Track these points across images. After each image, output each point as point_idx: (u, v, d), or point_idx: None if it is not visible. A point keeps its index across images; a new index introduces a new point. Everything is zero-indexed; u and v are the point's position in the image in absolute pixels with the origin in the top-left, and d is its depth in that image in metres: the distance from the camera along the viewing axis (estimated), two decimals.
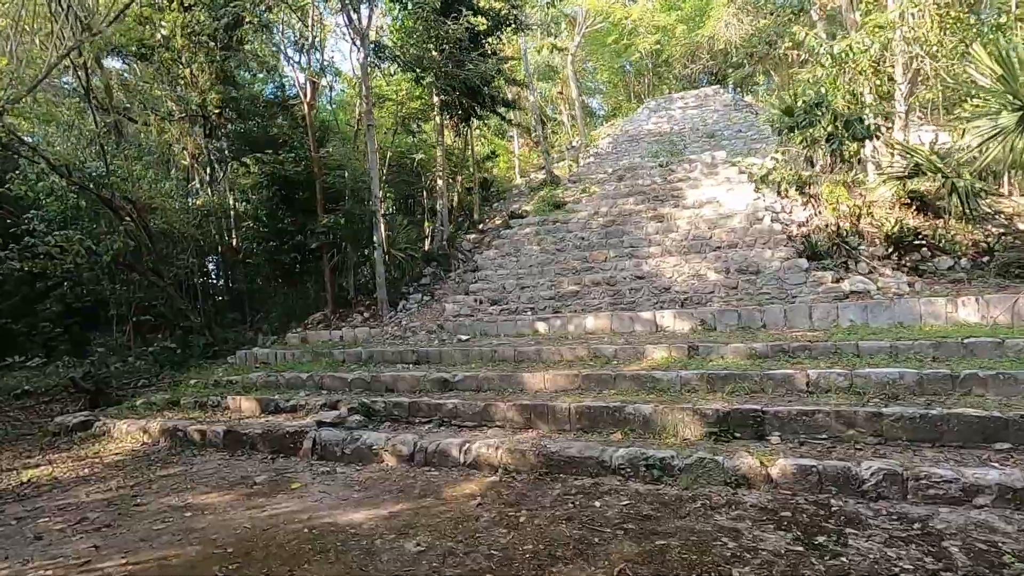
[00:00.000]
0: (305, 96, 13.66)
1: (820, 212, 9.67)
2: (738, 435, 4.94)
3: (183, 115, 15.84)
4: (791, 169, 9.47)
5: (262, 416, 7.25)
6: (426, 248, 15.33)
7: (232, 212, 17.57)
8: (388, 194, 15.30)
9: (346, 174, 13.42)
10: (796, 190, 8.84)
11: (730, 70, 27.47)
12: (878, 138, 7.97)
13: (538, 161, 26.63)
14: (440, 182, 15.47)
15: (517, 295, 11.32)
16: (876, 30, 7.44)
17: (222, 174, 18.20)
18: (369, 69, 12.70)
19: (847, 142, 7.93)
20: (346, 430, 6.13)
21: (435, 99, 15.20)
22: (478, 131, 20.11)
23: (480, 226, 17.53)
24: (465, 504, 4.37)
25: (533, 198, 17.52)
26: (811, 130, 7.98)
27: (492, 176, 22.87)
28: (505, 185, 23.09)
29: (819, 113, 7.21)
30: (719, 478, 4.30)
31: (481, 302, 11.54)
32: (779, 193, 9.72)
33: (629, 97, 31.15)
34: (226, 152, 17.47)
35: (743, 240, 10.31)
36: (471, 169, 19.16)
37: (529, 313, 10.71)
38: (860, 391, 5.29)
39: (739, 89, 22.62)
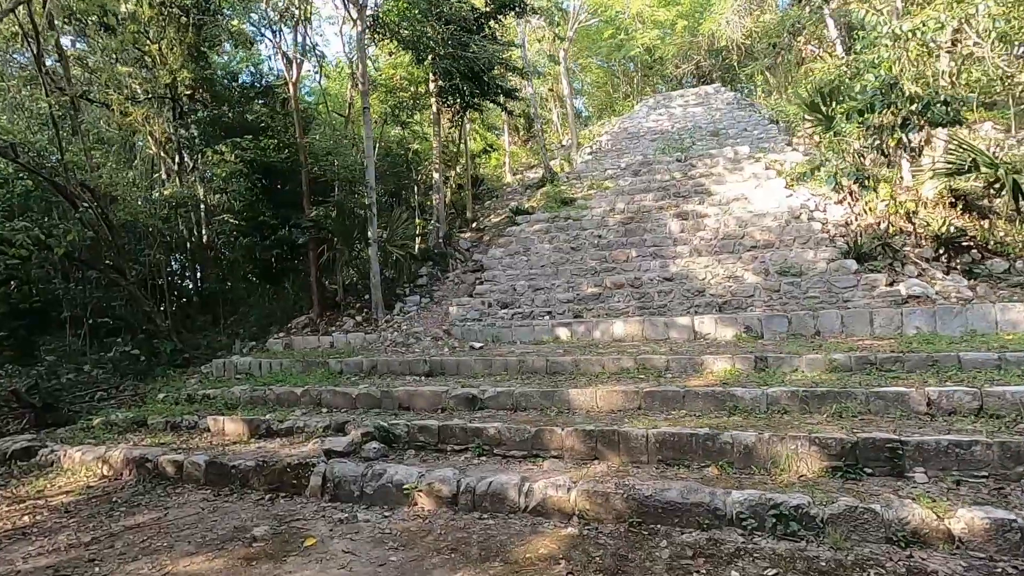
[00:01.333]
0: (290, 76, 12.35)
1: (869, 209, 8.92)
2: (869, 471, 3.99)
3: (150, 96, 14.32)
4: (848, 161, 8.66)
5: (252, 441, 6.00)
6: (420, 246, 14.15)
7: (203, 205, 16.08)
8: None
9: (335, 163, 12.15)
10: (856, 183, 8.04)
11: (716, 73, 27.07)
12: (960, 124, 7.25)
13: (527, 160, 25.72)
14: (436, 175, 14.32)
15: (530, 298, 10.27)
16: (952, 5, 6.73)
17: (192, 163, 16.70)
18: (364, 48, 11.48)
19: (924, 128, 7.17)
20: (363, 462, 4.97)
21: (431, 85, 14.07)
22: (470, 124, 19.01)
23: (474, 224, 16.46)
24: (548, 572, 3.29)
25: (532, 195, 16.50)
26: (881, 115, 7.18)
27: (481, 174, 21.83)
28: (495, 183, 22.06)
29: (894, 96, 6.45)
30: (878, 533, 3.33)
31: (490, 305, 10.44)
32: (835, 188, 8.93)
33: (620, 97, 30.49)
34: (196, 139, 15.97)
35: (780, 239, 9.50)
36: (464, 164, 18.06)
37: (547, 317, 9.66)
38: (998, 414, 4.41)
39: (726, 87, 22.07)
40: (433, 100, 14.07)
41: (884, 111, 6.92)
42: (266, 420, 6.21)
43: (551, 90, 27.84)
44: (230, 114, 16.20)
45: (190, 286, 17.81)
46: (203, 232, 16.92)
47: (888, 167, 8.64)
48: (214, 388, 8.01)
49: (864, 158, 8.25)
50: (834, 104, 11.29)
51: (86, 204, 10.96)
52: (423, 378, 7.49)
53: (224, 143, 14.20)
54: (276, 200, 12.20)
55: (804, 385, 5.28)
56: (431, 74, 13.83)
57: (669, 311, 9.03)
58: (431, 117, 14.52)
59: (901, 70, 7.19)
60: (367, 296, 12.72)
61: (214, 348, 12.12)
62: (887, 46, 7.09)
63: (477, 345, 8.85)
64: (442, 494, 4.34)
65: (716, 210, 10.56)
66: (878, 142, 7.71)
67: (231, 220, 14.18)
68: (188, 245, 16.83)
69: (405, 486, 4.46)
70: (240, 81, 16.17)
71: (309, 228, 11.53)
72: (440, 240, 14.05)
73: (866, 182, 7.95)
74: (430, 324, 10.20)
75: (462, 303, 10.69)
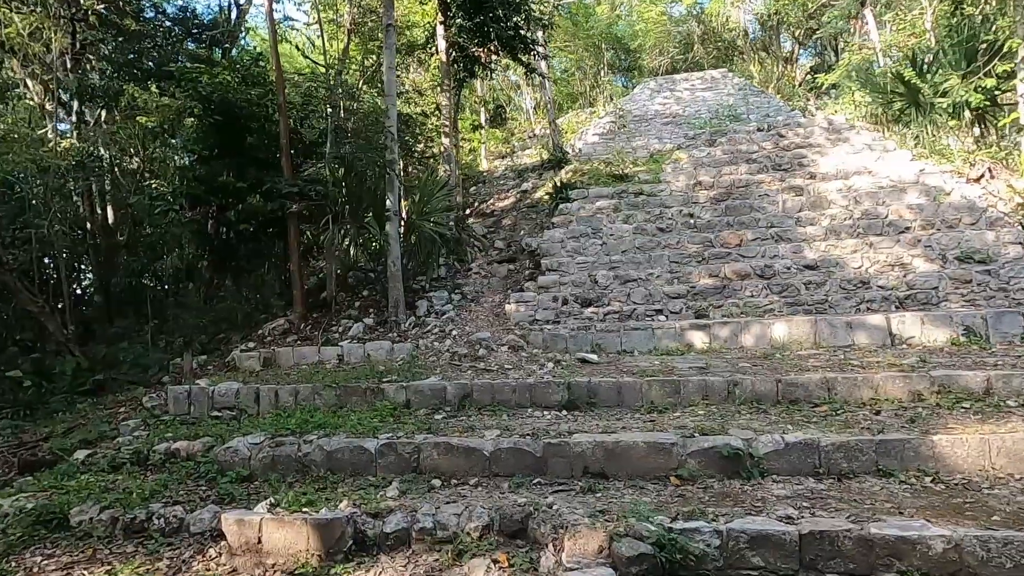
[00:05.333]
0: None
1: None
2: None
3: (38, 6, 10.09)
4: None
5: (336, 568, 2.86)
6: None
7: (111, 173, 12.04)
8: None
9: (329, 110, 8.83)
10: None
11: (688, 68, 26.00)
12: None
13: (497, 148, 23.26)
14: (446, 141, 11.28)
15: (621, 292, 7.65)
16: None
17: (95, 118, 12.52)
18: None
19: None
20: None
21: (440, 28, 11.07)
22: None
23: (468, 210, 13.61)
24: None
25: (546, 176, 13.93)
26: None
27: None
28: (469, 169, 19.30)
29: None
30: None
31: (565, 301, 7.69)
32: None
33: (586, 90, 28.77)
34: (103, 82, 11.87)
35: (940, 219, 7.58)
36: (457, 140, 15.10)
37: (661, 317, 7.09)
38: None
39: (732, 73, 20.78)
40: (443, 47, 11.05)
41: None
42: (348, 516, 3.09)
43: (525, 74, 25.48)
44: (155, 52, 12.29)
45: (84, 282, 13.38)
46: (105, 211, 12.78)
47: None
48: (185, 437, 4.61)
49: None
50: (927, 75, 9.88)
51: None
52: (565, 412, 4.61)
53: (156, 81, 10.39)
54: (242, 156, 8.65)
55: None
56: (443, 13, 10.88)
57: (832, 307, 6.79)
58: (440, 69, 11.48)
59: None
60: (367, 292, 9.52)
61: (143, 366, 8.34)
62: None
63: (592, 358, 6.06)
64: None
65: (836, 184, 8.53)
66: None
67: (161, 187, 10.30)
68: (89, 226, 12.54)
69: None
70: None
71: (295, 193, 8.14)
72: (451, 224, 11.03)
73: None
74: (496, 329, 7.25)
75: (523, 300, 7.83)
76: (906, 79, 9.49)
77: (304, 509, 3.18)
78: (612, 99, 23.47)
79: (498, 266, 10.11)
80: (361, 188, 8.26)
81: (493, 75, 13.67)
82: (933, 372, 4.35)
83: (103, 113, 12.78)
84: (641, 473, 3.51)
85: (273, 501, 3.29)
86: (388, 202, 7.99)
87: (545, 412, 4.66)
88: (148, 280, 12.52)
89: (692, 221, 8.52)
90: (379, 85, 11.64)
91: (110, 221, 12.80)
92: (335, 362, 7.08)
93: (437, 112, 11.88)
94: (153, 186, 10.39)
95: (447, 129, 11.29)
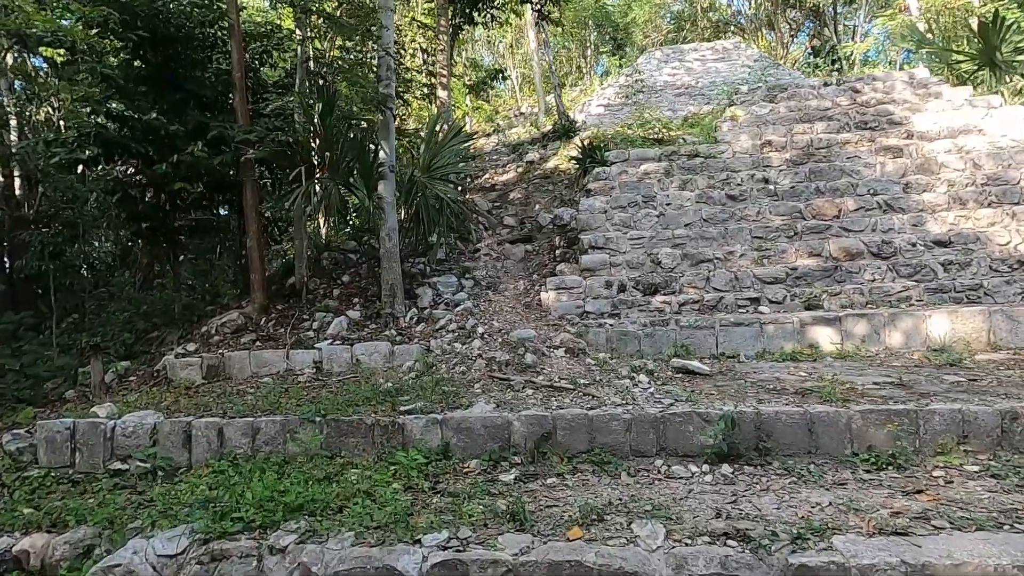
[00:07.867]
0: None
1: None
2: None
3: None
4: None
5: None
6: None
7: (19, 129, 9.56)
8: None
9: (298, 34, 6.64)
10: None
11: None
12: None
13: (481, 127, 21.26)
14: (443, 94, 9.18)
15: (696, 275, 5.79)
16: None
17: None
18: None
19: None
20: None
21: None
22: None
23: (459, 187, 11.59)
24: None
25: (547, 149, 12.01)
26: None
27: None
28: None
29: None
30: None
31: (622, 288, 5.79)
32: None
33: (573, 70, 27.03)
34: None
35: None
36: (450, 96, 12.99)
37: (763, 308, 5.27)
38: None
39: (745, 44, 19.26)
40: None
41: None
42: None
43: (511, 48, 23.44)
44: None
45: None
46: (15, 176, 10.24)
47: None
48: (46, 525, 2.51)
49: None
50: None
51: None
52: (727, 468, 2.68)
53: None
54: (180, 91, 6.38)
55: None
56: None
57: (990, 295, 5.10)
58: (438, 6, 9.34)
59: None
60: (347, 278, 7.38)
61: (37, 378, 6.04)
62: None
63: (699, 367, 4.16)
64: None
65: (946, 144, 6.87)
66: None
67: (70, 131, 7.87)
68: None
69: None
70: None
71: (251, 143, 5.94)
72: (463, 184, 8.98)
73: None
74: (538, 325, 5.28)
75: (565, 286, 5.89)
76: (1006, 22, 7.93)
77: None
78: (608, 75, 21.76)
79: (511, 246, 8.13)
80: (344, 134, 6.09)
81: (495, 20, 11.46)
82: None
83: (8, 57, 10.21)
84: None
85: None
86: (382, 154, 5.87)
87: (690, 465, 2.74)
88: (81, 264, 10.10)
89: (770, 188, 6.71)
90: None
91: (16, 190, 10.26)
92: (311, 371, 5.02)
93: (434, 50, 9.74)
94: (65, 137, 7.95)
95: (444, 79, 9.19)
